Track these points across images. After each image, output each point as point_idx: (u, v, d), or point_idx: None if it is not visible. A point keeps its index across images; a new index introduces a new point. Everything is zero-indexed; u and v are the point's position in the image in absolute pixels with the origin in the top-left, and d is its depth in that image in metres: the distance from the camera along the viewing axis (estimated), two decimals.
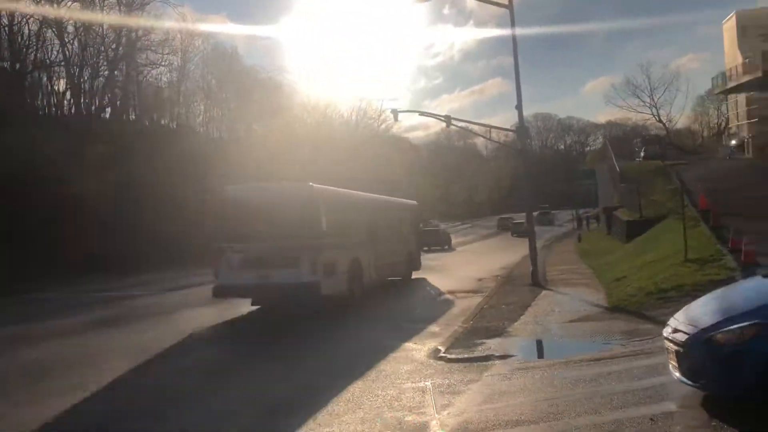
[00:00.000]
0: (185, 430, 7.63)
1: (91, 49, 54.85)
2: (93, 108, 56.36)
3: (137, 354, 12.18)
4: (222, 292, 16.33)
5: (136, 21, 55.68)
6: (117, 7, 55.76)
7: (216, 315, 18.42)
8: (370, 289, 19.75)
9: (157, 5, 74.00)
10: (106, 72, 56.50)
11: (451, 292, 21.21)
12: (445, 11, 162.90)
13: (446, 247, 51.84)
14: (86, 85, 55.83)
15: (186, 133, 63.33)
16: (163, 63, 61.59)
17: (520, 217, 61.12)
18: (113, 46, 56.02)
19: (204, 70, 67.29)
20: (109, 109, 59.12)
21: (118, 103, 59.32)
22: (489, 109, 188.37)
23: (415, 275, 25.75)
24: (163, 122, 63.86)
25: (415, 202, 30.43)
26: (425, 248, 42.12)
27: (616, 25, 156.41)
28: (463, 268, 31.79)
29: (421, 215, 35.68)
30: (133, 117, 61.57)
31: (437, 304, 18.97)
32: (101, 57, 55.88)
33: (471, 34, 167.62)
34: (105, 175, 41.24)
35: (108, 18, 53.42)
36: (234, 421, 7.87)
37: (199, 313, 19.30)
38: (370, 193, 25.06)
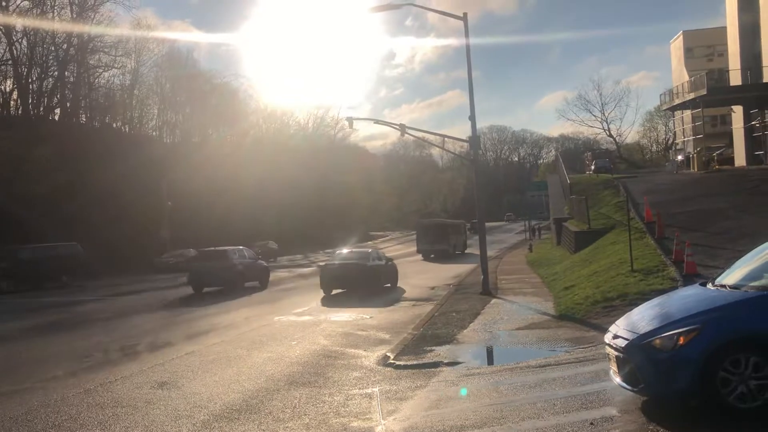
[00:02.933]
0: None
1: (40, 48, 53.44)
2: (41, 109, 54.85)
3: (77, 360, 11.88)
4: (421, 252, 48.18)
5: (89, 23, 54.46)
6: (69, 8, 54.53)
7: (162, 321, 18.18)
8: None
9: (110, 6, 72.48)
10: (56, 72, 55.06)
11: (406, 299, 21.47)
12: (408, 23, 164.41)
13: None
14: (34, 86, 54.32)
15: (138, 137, 62.20)
16: (115, 65, 60.37)
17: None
18: (64, 46, 54.69)
19: (158, 73, 66.19)
20: (58, 111, 57.63)
21: (68, 104, 57.84)
22: (447, 121, 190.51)
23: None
24: (114, 125, 62.48)
25: (463, 221, 64.04)
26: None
27: (573, 42, 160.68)
28: (418, 276, 31.99)
29: (465, 225, 62.63)
30: (84, 119, 60.07)
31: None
32: (51, 57, 54.49)
33: (430, 46, 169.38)
34: (52, 178, 40.13)
35: (59, 23, 52.09)
36: (178, 428, 7.72)
37: (146, 319, 19.00)
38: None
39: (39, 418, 8.23)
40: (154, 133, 67.72)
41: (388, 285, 25.65)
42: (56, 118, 56.81)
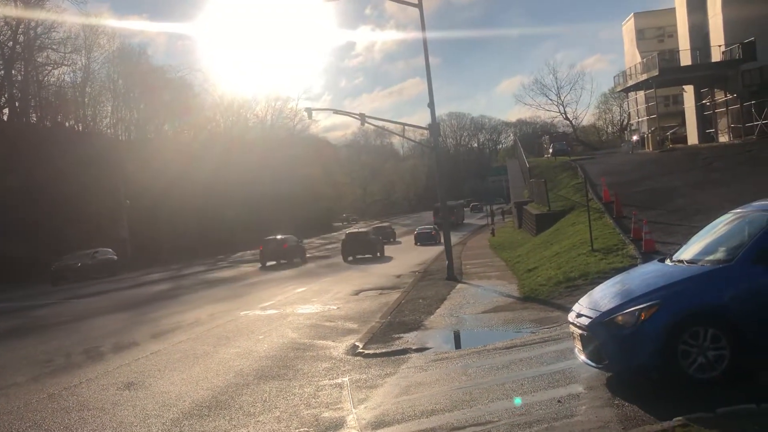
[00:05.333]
0: None
1: None
2: None
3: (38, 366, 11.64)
4: (437, 224, 53.15)
5: (35, 15, 52.72)
6: (13, 3, 52.76)
7: (125, 322, 17.93)
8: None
9: (57, 2, 70.44)
10: (2, 71, 53.34)
11: (377, 288, 21.57)
12: (367, 12, 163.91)
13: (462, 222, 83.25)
14: None
15: (92, 135, 60.81)
16: (65, 62, 58.76)
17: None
18: (9, 43, 52.96)
19: (110, 69, 64.69)
20: (6, 111, 55.88)
21: (16, 104, 56.14)
22: (408, 109, 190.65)
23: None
24: (67, 124, 60.91)
25: (462, 201, 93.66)
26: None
27: (529, 27, 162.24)
28: (384, 265, 32.12)
29: (463, 204, 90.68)
30: (34, 119, 58.37)
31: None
32: None
33: (388, 36, 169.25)
34: (3, 180, 39.01)
35: (4, 10, 50.32)
36: (148, 428, 7.64)
37: (109, 320, 18.68)
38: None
39: (1, 427, 8.04)
40: (108, 131, 66.25)
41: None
42: (5, 118, 55.11)
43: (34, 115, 58.65)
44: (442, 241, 42.66)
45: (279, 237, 39.93)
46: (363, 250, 38.37)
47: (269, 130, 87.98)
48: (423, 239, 50.37)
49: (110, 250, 41.73)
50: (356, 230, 44.72)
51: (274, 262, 37.47)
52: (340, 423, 7.35)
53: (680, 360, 6.71)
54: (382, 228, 57.78)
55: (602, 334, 7.17)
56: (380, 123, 31.95)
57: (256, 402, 8.49)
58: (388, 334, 12.65)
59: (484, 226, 59.87)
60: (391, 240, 56.38)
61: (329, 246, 59.73)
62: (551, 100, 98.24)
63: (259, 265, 37.72)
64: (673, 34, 52.99)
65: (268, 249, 38.44)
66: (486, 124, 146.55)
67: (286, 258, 38.15)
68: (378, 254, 39.05)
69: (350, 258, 37.47)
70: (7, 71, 53.45)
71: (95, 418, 8.17)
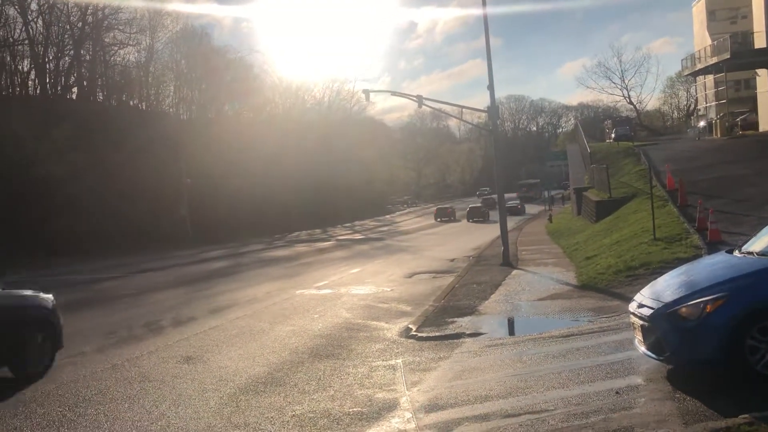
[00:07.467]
0: (163, 413, 7.55)
1: (56, 27, 53.45)
2: (59, 88, 55.03)
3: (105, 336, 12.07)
4: (520, 198, 78.34)
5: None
6: None
7: (184, 297, 18.40)
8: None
9: None
10: (72, 51, 55.10)
11: (429, 272, 21.55)
12: None
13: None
14: (51, 65, 54.46)
15: (155, 114, 62.34)
16: (130, 42, 60.24)
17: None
18: (79, 24, 54.62)
19: (173, 50, 65.94)
20: (75, 90, 57.79)
21: (84, 83, 57.96)
22: (467, 92, 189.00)
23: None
24: (131, 103, 62.60)
25: (539, 180, 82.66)
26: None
27: (594, 8, 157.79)
28: (437, 248, 32.01)
29: (540, 183, 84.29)
30: (101, 98, 60.21)
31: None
32: (66, 36, 54.49)
33: (450, 14, 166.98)
34: (71, 157, 40.38)
35: None
36: (206, 401, 7.82)
37: (168, 295, 19.21)
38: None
39: (70, 393, 8.37)
40: (170, 110, 67.72)
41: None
42: (74, 97, 57.01)
43: (100, 94, 60.49)
44: (526, 212, 61.23)
45: (446, 206, 72.89)
46: (478, 216, 60.70)
47: (326, 111, 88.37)
48: (509, 211, 57.76)
49: None
50: (475, 205, 67.46)
51: (438, 219, 64.55)
52: (393, 404, 7.37)
53: (747, 355, 6.44)
54: (488, 199, 74.25)
55: (664, 326, 6.95)
56: (438, 105, 31.55)
57: (310, 380, 8.59)
58: (441, 318, 12.62)
59: (543, 211, 59.73)
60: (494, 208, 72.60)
61: (383, 228, 59.99)
62: (615, 83, 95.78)
63: (314, 245, 38.90)
64: (747, 15, 50.47)
65: (439, 212, 66.79)
66: (546, 107, 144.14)
67: (448, 217, 65.05)
68: (487, 218, 58.31)
69: (471, 220, 60.04)
70: (77, 51, 55.18)
71: (156, 390, 8.42)
